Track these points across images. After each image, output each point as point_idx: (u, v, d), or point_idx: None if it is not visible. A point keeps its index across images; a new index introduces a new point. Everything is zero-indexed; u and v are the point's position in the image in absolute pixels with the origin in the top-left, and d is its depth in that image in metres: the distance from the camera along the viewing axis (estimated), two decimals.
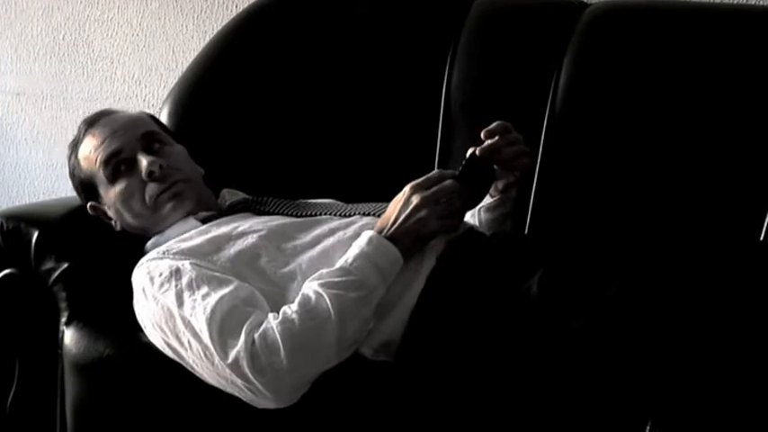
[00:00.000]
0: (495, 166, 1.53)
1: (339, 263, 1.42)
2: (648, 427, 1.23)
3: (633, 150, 1.77)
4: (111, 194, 1.68)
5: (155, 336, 1.48)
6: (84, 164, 1.70)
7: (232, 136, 1.99)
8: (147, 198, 1.65)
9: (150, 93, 2.56)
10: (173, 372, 1.46)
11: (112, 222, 1.71)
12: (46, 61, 2.68)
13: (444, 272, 1.43)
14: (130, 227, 1.69)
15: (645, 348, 1.28)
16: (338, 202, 1.78)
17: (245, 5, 2.15)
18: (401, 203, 1.45)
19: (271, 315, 1.39)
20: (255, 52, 2.03)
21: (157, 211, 1.65)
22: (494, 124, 1.50)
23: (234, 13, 2.25)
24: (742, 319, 1.26)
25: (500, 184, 1.60)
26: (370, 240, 1.43)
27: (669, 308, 1.29)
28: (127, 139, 1.67)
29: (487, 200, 1.63)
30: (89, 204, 1.72)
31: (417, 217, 1.43)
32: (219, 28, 2.12)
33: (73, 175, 1.74)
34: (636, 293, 1.30)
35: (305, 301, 1.38)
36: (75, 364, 1.58)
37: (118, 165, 1.66)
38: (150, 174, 1.64)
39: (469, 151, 1.49)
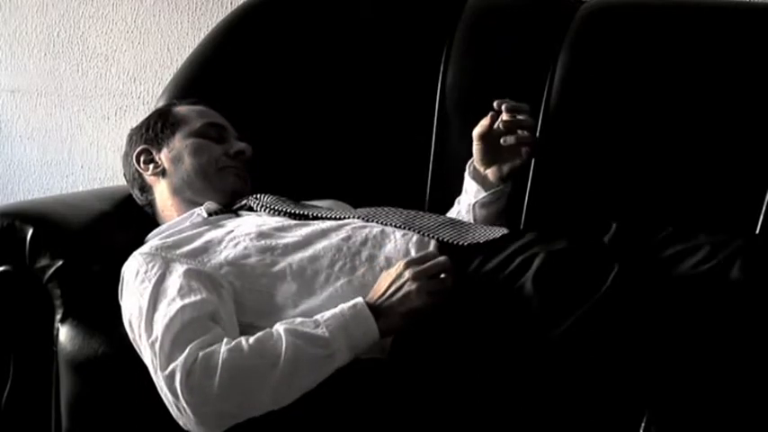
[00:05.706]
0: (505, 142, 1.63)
1: (316, 315, 1.39)
2: (644, 423, 1.24)
3: (628, 146, 1.78)
4: (186, 141, 1.74)
5: (128, 331, 1.48)
6: (182, 110, 1.79)
7: None
8: (216, 161, 1.73)
9: (145, 90, 2.55)
10: None
11: (148, 177, 1.76)
12: (40, 58, 2.67)
13: None
14: (172, 186, 1.73)
15: (640, 344, 1.28)
16: (338, 203, 1.78)
17: (240, 2, 2.15)
18: (393, 276, 1.41)
19: (225, 339, 1.36)
20: (250, 49, 2.03)
21: (220, 176, 1.72)
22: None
23: (229, 10, 2.25)
24: (737, 314, 1.27)
25: (505, 168, 1.65)
26: (354, 306, 1.38)
27: (664, 302, 1.29)
28: (228, 126, 1.81)
29: (483, 195, 1.66)
30: (141, 148, 1.77)
31: (408, 290, 1.38)
32: (214, 25, 2.12)
33: (149, 118, 1.81)
34: (630, 288, 1.31)
35: (265, 338, 1.35)
36: (70, 361, 1.58)
37: (215, 130, 1.77)
38: (240, 152, 1.74)
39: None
